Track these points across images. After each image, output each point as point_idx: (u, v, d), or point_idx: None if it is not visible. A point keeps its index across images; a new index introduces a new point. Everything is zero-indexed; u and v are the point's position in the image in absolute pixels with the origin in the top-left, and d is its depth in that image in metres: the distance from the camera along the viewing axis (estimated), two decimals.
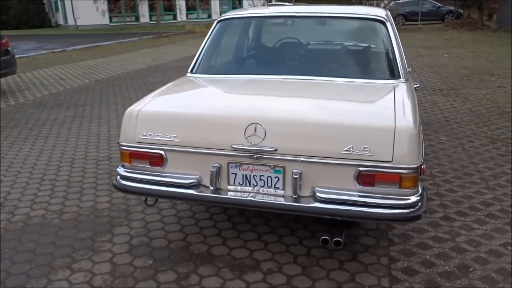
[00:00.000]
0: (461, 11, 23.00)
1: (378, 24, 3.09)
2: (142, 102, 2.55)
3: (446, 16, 24.14)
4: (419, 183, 2.20)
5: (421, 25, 22.48)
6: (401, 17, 23.49)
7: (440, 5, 24.64)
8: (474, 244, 2.66)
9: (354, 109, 2.38)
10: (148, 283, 2.34)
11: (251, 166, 2.30)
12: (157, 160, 2.41)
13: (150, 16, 32.17)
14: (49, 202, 3.34)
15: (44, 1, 36.31)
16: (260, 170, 2.29)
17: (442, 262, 2.49)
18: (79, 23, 30.09)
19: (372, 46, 3.18)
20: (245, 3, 32.69)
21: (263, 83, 2.91)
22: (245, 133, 2.25)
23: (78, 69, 10.74)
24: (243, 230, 2.87)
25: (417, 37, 16.55)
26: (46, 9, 37.25)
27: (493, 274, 2.36)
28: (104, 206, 3.24)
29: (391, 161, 2.11)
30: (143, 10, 31.82)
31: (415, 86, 3.23)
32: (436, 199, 3.26)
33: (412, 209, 2.14)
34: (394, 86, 2.74)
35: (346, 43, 3.20)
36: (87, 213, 3.14)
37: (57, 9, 35.92)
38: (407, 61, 3.81)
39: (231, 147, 2.27)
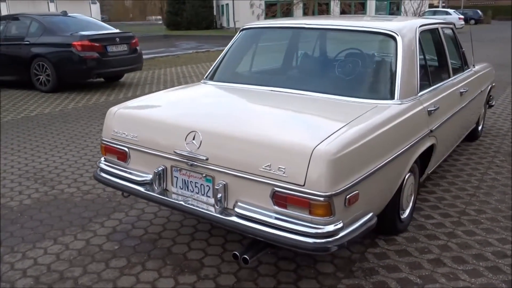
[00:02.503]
0: None
1: (386, 38, 2.84)
2: (124, 104, 2.83)
3: None
4: (337, 213, 2.01)
5: None
6: None
7: None
8: None
9: (288, 128, 2.28)
10: (98, 265, 2.61)
11: (188, 172, 2.38)
12: (123, 156, 2.66)
13: None
14: (85, 182, 3.86)
15: (213, 6, 40.04)
16: (194, 177, 2.36)
17: None
18: (237, 25, 32.49)
19: (373, 62, 2.93)
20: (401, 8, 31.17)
21: (241, 94, 2.96)
22: (185, 139, 2.35)
23: (206, 68, 11.71)
24: (217, 234, 2.94)
25: None
26: (214, 12, 41.04)
27: None
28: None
29: (303, 185, 1.99)
30: (297, 14, 32.73)
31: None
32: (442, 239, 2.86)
33: (321, 240, 1.99)
34: (375, 107, 2.51)
35: (345, 58, 3.00)
36: (105, 196, 3.56)
37: (222, 13, 39.33)
38: None
39: (174, 151, 2.39)
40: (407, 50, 2.80)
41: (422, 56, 3.06)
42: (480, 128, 5.03)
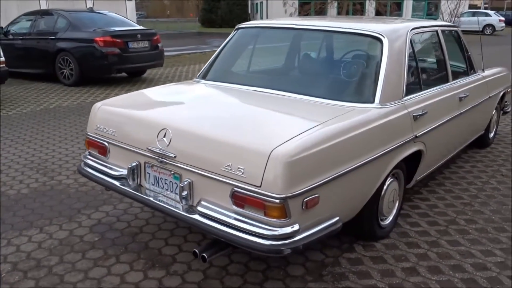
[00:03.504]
0: None
1: (373, 40, 2.79)
2: (108, 99, 2.90)
3: None
4: (293, 215, 2.00)
5: None
6: None
7: None
8: None
9: (254, 128, 2.27)
10: (75, 255, 2.69)
11: (158, 169, 2.42)
12: (103, 151, 2.73)
13: None
14: None
15: (248, 4, 40.16)
16: (164, 174, 2.40)
17: None
18: None
19: (357, 64, 2.87)
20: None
21: (223, 93, 2.98)
22: (157, 136, 2.39)
23: None
24: (196, 231, 2.97)
25: None
26: (249, 10, 41.16)
27: None
28: None
29: (260, 186, 1.99)
30: (331, 13, 32.39)
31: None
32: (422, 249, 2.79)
33: (275, 242, 1.98)
34: (352, 111, 2.48)
35: (329, 60, 2.96)
36: (98, 189, 3.65)
37: (256, 11, 39.39)
38: None
39: (146, 148, 2.43)
40: (393, 53, 2.74)
41: (413, 60, 2.99)
42: (491, 135, 4.85)
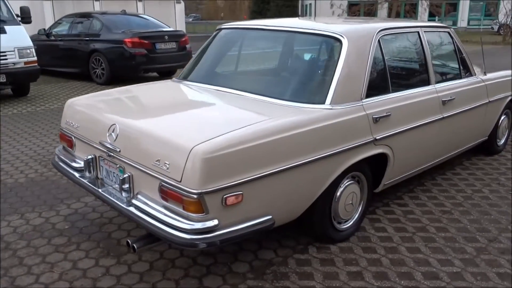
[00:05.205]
0: None
1: (332, 41, 2.77)
2: (80, 96, 3.08)
3: None
4: (212, 211, 2.05)
5: None
6: None
7: None
8: None
9: (187, 125, 2.35)
10: (41, 241, 2.88)
11: (108, 162, 2.55)
12: (70, 144, 2.90)
13: None
14: None
15: (298, 6, 40.14)
16: (112, 167, 2.52)
17: None
18: None
19: (312, 65, 2.86)
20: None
21: (184, 92, 3.09)
22: (108, 131, 2.52)
23: None
24: None
25: None
26: (299, 12, 41.13)
27: None
28: None
29: (180, 181, 2.06)
30: (381, 14, 31.66)
31: None
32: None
33: (191, 236, 2.04)
34: (296, 110, 2.49)
35: (286, 60, 2.96)
36: None
37: (306, 13, 39.26)
38: None
39: (99, 142, 2.57)
40: (353, 54, 2.71)
41: (381, 61, 2.93)
42: (502, 142, 4.61)
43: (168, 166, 2.12)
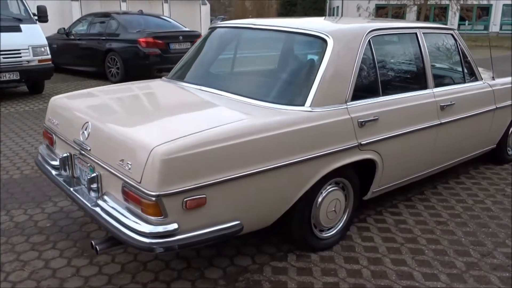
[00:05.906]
0: None
1: (317, 41, 2.66)
2: (63, 94, 3.07)
3: None
4: (171, 215, 1.97)
5: None
6: None
7: None
8: None
9: (153, 126, 2.29)
10: (20, 238, 2.86)
11: (81, 161, 2.51)
12: (51, 141, 2.88)
13: None
14: None
15: (325, 8, 39.82)
16: (84, 165, 2.48)
17: None
18: None
19: (295, 65, 2.75)
20: None
21: (164, 90, 3.03)
22: (81, 129, 2.48)
23: None
24: None
25: None
26: (326, 13, 40.80)
27: None
28: None
29: (140, 183, 2.00)
30: (410, 17, 31.01)
31: None
32: None
33: (149, 239, 1.97)
34: (271, 112, 2.39)
35: (268, 60, 2.86)
36: None
37: (333, 15, 38.90)
38: None
39: (73, 140, 2.54)
40: (338, 55, 2.59)
41: (371, 63, 2.80)
42: None
43: (130, 166, 2.05)
